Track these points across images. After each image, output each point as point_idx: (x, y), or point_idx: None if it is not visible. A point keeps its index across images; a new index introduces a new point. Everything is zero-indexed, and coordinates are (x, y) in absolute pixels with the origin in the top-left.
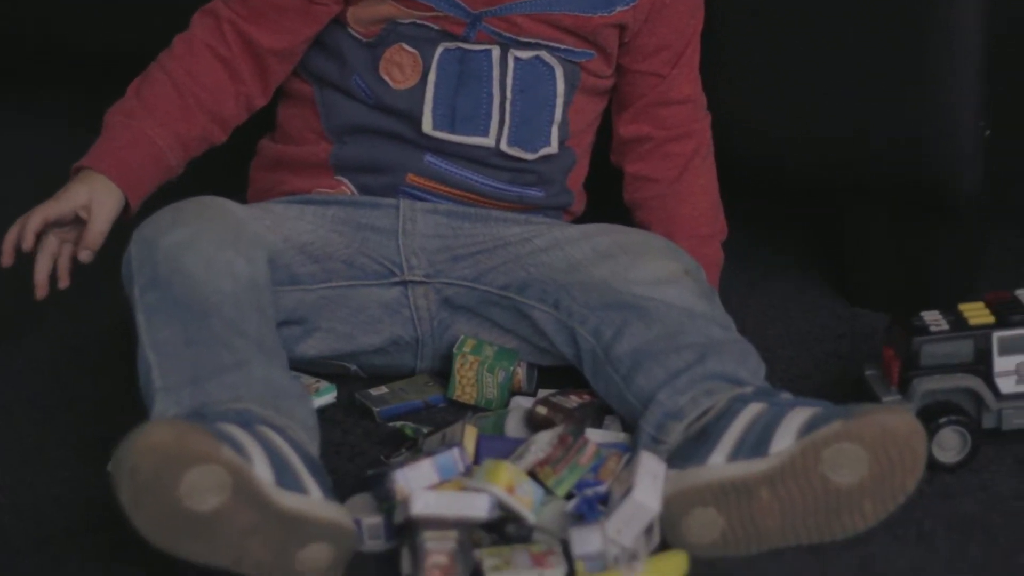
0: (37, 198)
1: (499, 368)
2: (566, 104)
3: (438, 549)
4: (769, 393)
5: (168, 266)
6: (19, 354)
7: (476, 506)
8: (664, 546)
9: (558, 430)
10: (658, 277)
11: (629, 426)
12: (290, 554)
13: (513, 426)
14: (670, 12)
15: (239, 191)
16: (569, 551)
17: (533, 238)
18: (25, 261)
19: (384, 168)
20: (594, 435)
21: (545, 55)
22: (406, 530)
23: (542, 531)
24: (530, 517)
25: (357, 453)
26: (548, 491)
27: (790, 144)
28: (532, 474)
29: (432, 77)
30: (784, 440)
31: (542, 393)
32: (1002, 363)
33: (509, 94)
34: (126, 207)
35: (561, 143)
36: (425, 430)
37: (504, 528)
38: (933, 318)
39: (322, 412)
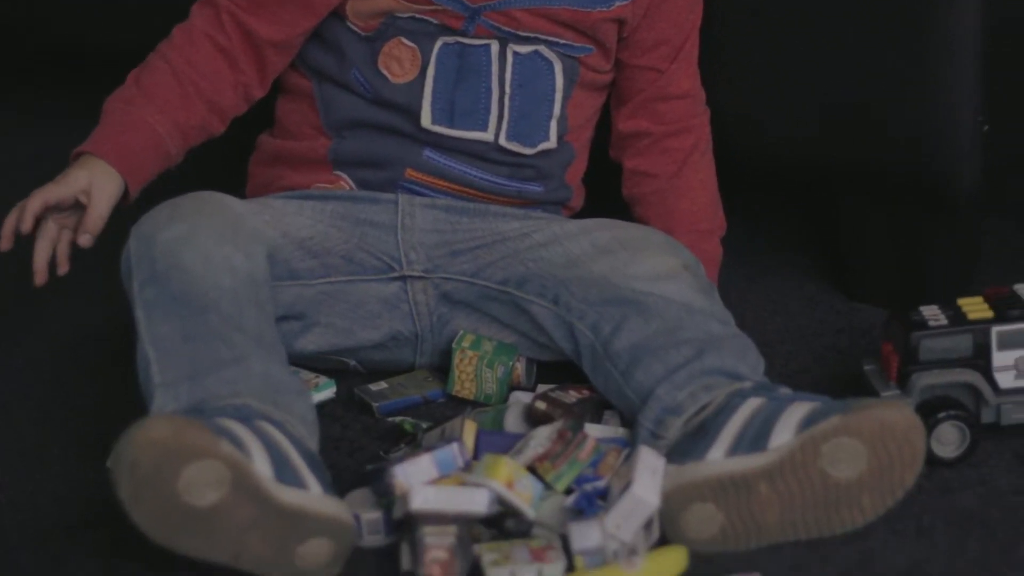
0: None
1: (498, 363)
2: (565, 99)
3: (437, 544)
4: (768, 388)
5: (166, 262)
6: (18, 352)
7: (475, 501)
8: (663, 541)
9: (557, 425)
10: (657, 272)
11: (628, 421)
12: (289, 549)
13: (512, 421)
14: (669, 7)
15: (238, 187)
16: (568, 546)
17: (532, 233)
18: (25, 260)
19: (383, 163)
20: (593, 430)
21: (544, 50)
22: (405, 525)
23: (541, 526)
24: (529, 512)
25: (356, 448)
26: (547, 486)
27: (789, 139)
28: (531, 469)
29: (431, 71)
30: (783, 435)
31: (541, 388)
32: (1001, 358)
33: (508, 89)
34: (125, 194)
35: (560, 138)
36: (424, 425)
37: (503, 523)
38: (932, 313)
39: (321, 407)
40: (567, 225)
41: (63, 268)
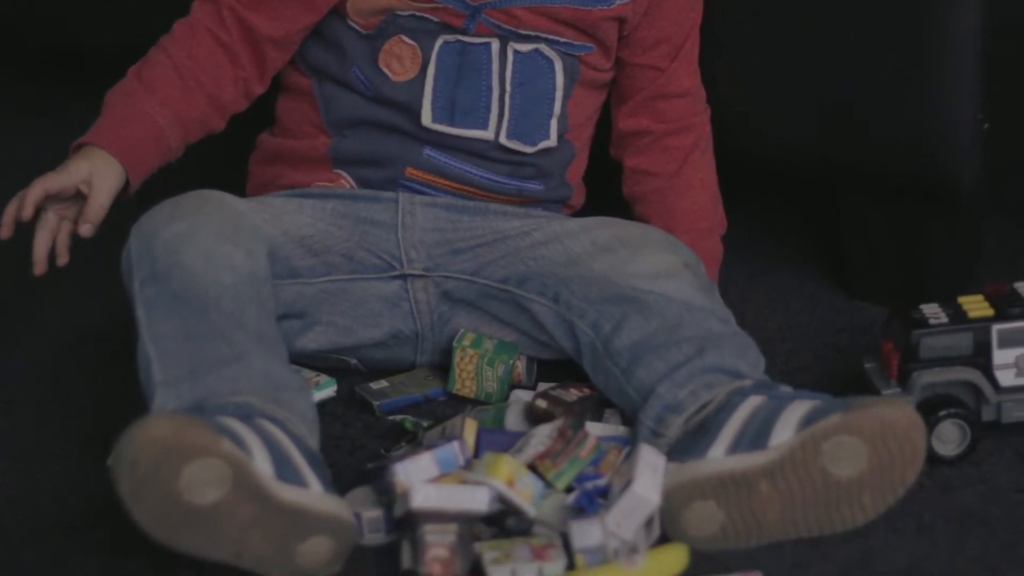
0: None
1: (499, 361)
2: (565, 97)
3: (438, 542)
4: (768, 386)
5: (167, 260)
6: (19, 351)
7: (476, 499)
8: (664, 539)
9: (558, 423)
10: (657, 271)
11: (629, 419)
12: (290, 547)
13: (513, 419)
14: (669, 5)
15: (239, 186)
16: (569, 544)
17: (532, 231)
18: (24, 259)
19: (383, 161)
20: (594, 428)
21: (544, 48)
22: (406, 523)
23: (542, 524)
24: (530, 510)
25: (357, 447)
26: (548, 484)
27: (789, 138)
28: (532, 467)
29: (431, 70)
30: (783, 433)
31: (542, 386)
32: (1001, 356)
33: (508, 87)
34: (126, 186)
35: (560, 136)
36: (425, 424)
37: (504, 521)
38: (932, 311)
39: (322, 406)
40: (567, 223)
41: (62, 259)
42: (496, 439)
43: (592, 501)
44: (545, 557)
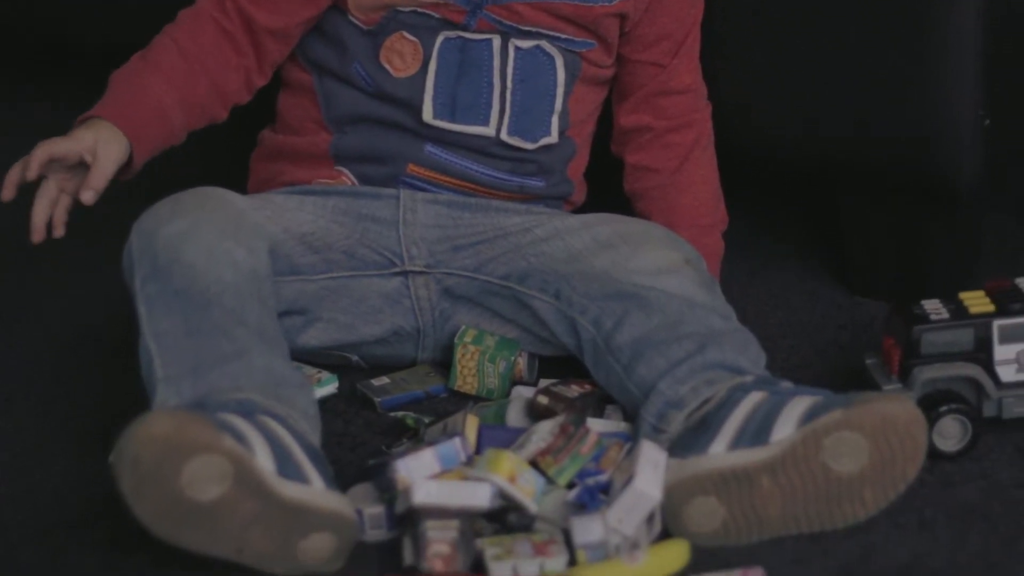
0: None
1: (500, 358)
2: (566, 94)
3: (440, 538)
4: (770, 382)
5: (168, 257)
6: (19, 348)
7: (478, 496)
8: (665, 535)
9: (559, 420)
10: (659, 267)
11: (630, 415)
12: (292, 544)
13: (514, 416)
14: (671, 2)
15: (240, 183)
16: (570, 540)
17: (533, 228)
18: (24, 258)
19: (384, 158)
20: (595, 424)
21: (545, 44)
22: (408, 520)
23: (544, 520)
24: (532, 506)
25: (359, 443)
26: (549, 480)
27: (790, 134)
28: (534, 463)
29: (433, 66)
30: (785, 429)
31: (543, 383)
32: (1002, 351)
33: (510, 83)
34: (128, 163)
35: (561, 133)
36: (426, 420)
37: (506, 517)
38: (933, 307)
39: (324, 402)
40: (568, 220)
41: (59, 231)
42: (497, 435)
43: (593, 497)
44: (547, 553)
